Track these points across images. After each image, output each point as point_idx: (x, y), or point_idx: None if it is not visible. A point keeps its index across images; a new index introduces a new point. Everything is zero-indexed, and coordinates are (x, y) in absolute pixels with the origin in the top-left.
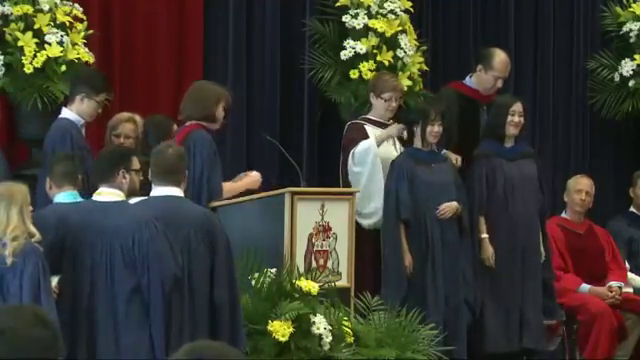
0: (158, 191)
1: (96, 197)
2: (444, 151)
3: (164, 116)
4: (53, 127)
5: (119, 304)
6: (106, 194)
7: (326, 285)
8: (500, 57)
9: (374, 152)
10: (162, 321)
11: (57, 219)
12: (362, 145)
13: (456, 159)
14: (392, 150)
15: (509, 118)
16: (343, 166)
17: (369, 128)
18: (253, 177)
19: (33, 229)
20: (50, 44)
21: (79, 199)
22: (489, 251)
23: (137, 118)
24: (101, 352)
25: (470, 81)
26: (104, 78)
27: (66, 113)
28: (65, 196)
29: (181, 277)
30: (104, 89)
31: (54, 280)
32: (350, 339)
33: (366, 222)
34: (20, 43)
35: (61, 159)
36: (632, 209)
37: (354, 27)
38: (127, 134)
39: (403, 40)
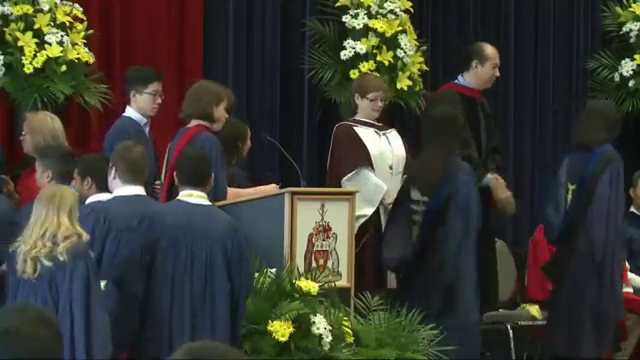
0: (125, 190)
1: (187, 199)
2: (489, 176)
3: (238, 120)
4: (114, 125)
5: (218, 306)
6: (197, 197)
7: (326, 285)
8: (490, 47)
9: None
10: (240, 325)
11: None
12: (373, 182)
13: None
14: (386, 145)
15: None
16: (330, 169)
17: (359, 129)
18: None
19: (82, 230)
20: (50, 44)
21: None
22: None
23: (33, 118)
24: None
25: (463, 80)
26: (150, 70)
27: (128, 112)
28: None
29: None
30: (152, 79)
31: (101, 284)
32: (350, 339)
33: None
34: (20, 43)
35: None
36: (632, 209)
37: (354, 27)
38: (22, 130)
39: (403, 40)
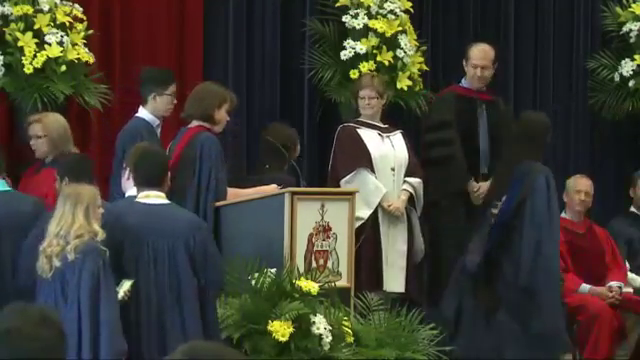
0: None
1: (144, 200)
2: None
3: (288, 126)
4: (126, 127)
5: (186, 303)
6: (154, 197)
7: (326, 285)
8: (477, 47)
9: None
10: (215, 322)
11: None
12: (372, 184)
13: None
14: (389, 148)
15: None
16: (330, 170)
17: (362, 131)
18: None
19: (98, 228)
20: (50, 44)
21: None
22: None
23: (46, 119)
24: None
25: (464, 81)
26: (167, 71)
27: (142, 113)
28: None
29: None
30: (170, 81)
31: (127, 284)
32: (350, 339)
33: None
34: (20, 43)
35: None
36: (632, 209)
37: (354, 27)
38: (37, 134)
39: (403, 40)
